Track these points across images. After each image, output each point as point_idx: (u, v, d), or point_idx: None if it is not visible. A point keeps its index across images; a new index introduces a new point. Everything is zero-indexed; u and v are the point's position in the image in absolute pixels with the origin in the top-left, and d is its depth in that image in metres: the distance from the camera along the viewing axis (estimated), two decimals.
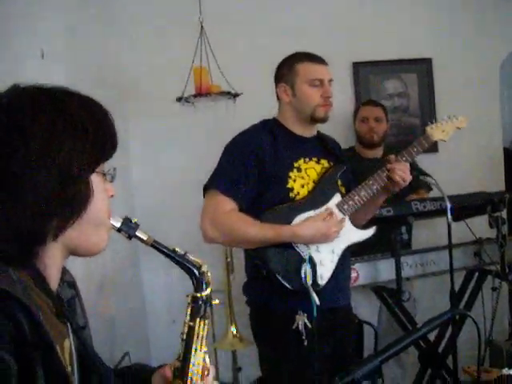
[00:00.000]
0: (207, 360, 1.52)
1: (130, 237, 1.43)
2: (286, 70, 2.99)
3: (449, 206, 3.36)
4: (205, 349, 1.51)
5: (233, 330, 3.90)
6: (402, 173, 2.92)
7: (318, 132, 3.10)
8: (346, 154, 4.19)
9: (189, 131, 4.52)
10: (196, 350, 1.49)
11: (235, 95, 4.05)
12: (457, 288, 3.63)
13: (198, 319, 1.50)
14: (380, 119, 4.34)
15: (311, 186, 2.92)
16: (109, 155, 1.33)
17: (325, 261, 2.86)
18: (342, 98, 4.76)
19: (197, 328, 1.50)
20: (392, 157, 3.00)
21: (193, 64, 4.03)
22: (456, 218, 3.63)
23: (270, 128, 2.99)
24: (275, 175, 2.86)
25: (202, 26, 4.04)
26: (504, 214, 3.78)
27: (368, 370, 1.57)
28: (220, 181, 2.86)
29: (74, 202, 1.23)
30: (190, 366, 1.48)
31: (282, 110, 3.05)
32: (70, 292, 1.50)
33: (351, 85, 4.85)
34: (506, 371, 2.62)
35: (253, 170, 2.84)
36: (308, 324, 2.74)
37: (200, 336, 1.50)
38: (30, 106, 1.21)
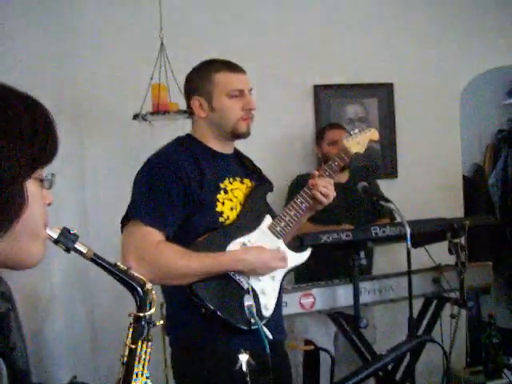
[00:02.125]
0: None
1: (68, 249, 1.32)
2: (200, 82, 2.69)
3: (408, 231, 3.31)
4: (147, 373, 1.41)
5: None
6: (325, 189, 2.71)
7: (235, 149, 2.84)
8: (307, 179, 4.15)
9: (145, 149, 4.40)
10: (137, 374, 1.39)
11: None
12: (415, 315, 3.57)
13: (140, 341, 1.39)
14: None
15: (239, 208, 2.66)
16: (48, 160, 1.22)
17: (267, 289, 2.62)
18: (303, 120, 4.73)
19: (139, 351, 1.39)
20: (315, 173, 2.80)
21: (151, 81, 3.95)
22: (415, 244, 3.58)
23: (187, 146, 2.69)
24: (202, 199, 2.57)
25: (162, 43, 3.97)
26: (463, 240, 3.74)
27: None
28: (142, 210, 2.52)
29: (4, 210, 1.12)
30: None
31: (197, 126, 2.75)
32: (4, 306, 1.40)
33: (312, 108, 4.79)
34: None
35: (177, 194, 2.53)
36: (252, 362, 2.37)
37: (142, 359, 1.40)
38: None
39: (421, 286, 3.77)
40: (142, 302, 1.40)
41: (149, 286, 1.41)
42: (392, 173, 4.89)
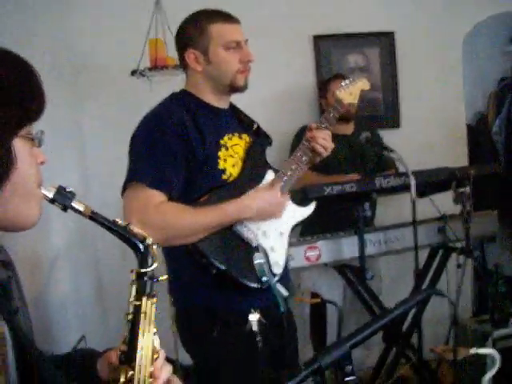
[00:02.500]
0: (156, 342, 1.38)
1: (65, 208, 1.28)
2: (195, 34, 2.55)
3: (413, 181, 3.28)
4: (154, 330, 1.37)
5: None
6: (324, 141, 2.63)
7: (230, 103, 2.73)
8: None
9: (144, 106, 4.34)
10: (144, 331, 1.35)
11: None
12: (421, 265, 3.56)
13: (144, 298, 1.36)
14: None
15: (240, 164, 2.58)
16: (34, 117, 1.18)
17: (276, 246, 2.57)
18: (303, 72, 4.66)
19: (143, 307, 1.36)
20: (312, 125, 2.70)
21: (148, 36, 3.87)
22: (420, 194, 3.56)
23: (184, 102, 2.57)
24: (204, 157, 2.47)
25: None
26: (468, 189, 3.70)
27: (336, 357, 1.45)
28: (144, 172, 2.41)
29: None
30: (138, 349, 1.34)
31: (192, 80, 2.63)
32: (6, 273, 1.37)
33: (312, 59, 4.71)
34: (473, 350, 2.53)
35: (180, 153, 2.43)
36: (263, 321, 2.49)
37: (147, 316, 1.36)
38: None
39: (426, 236, 3.74)
40: (143, 258, 1.36)
41: (149, 240, 1.37)
42: (395, 123, 4.83)
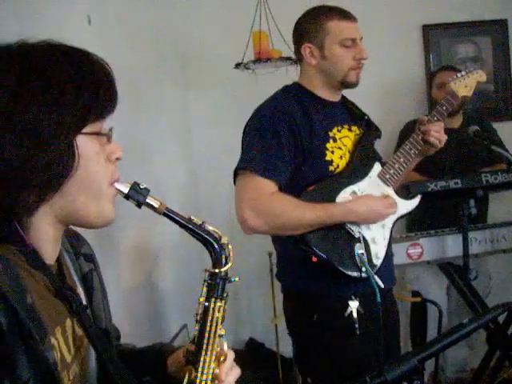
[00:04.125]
0: (224, 345, 1.37)
1: (139, 204, 1.27)
2: (312, 28, 2.63)
3: None
4: (221, 332, 1.35)
5: None
6: (437, 133, 2.69)
7: (342, 96, 2.81)
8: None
9: (249, 98, 4.36)
10: (210, 333, 1.34)
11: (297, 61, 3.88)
12: None
13: (213, 299, 1.34)
14: None
15: (348, 156, 2.65)
16: (101, 114, 1.17)
17: (377, 238, 2.62)
18: (411, 63, 4.55)
19: (211, 309, 1.34)
20: (424, 118, 2.77)
21: (252, 29, 3.88)
22: None
23: (295, 95, 2.68)
24: (312, 148, 2.56)
25: None
26: None
27: (403, 371, 1.40)
28: (255, 161, 2.51)
29: (49, 169, 1.09)
30: (203, 351, 1.33)
31: (306, 74, 2.72)
32: (88, 266, 1.39)
33: (421, 49, 4.59)
34: None
35: (288, 145, 2.53)
36: (361, 310, 2.54)
37: (215, 318, 1.34)
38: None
39: None
40: (217, 258, 1.34)
41: (225, 240, 1.36)
42: (507, 115, 4.64)
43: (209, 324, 1.34)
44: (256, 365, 4.17)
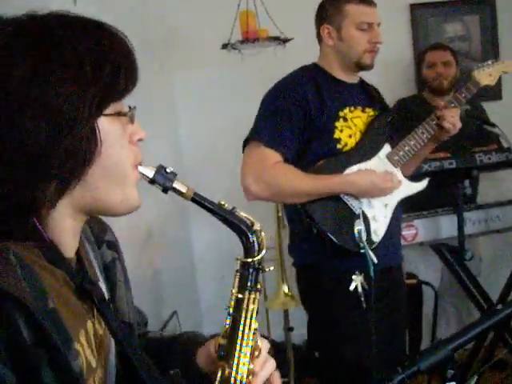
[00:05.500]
0: (258, 339, 1.27)
1: (165, 189, 1.17)
2: (331, 11, 2.75)
3: None
4: (255, 325, 1.25)
5: (284, 288, 3.72)
6: (452, 119, 2.77)
7: (360, 79, 2.90)
8: (412, 103, 3.97)
9: (236, 79, 4.29)
10: (244, 327, 1.24)
11: (285, 40, 3.81)
12: None
13: (247, 290, 1.24)
14: (449, 63, 4.01)
15: (358, 136, 2.74)
16: (123, 93, 1.08)
17: (378, 216, 2.70)
18: (399, 42, 4.50)
19: (246, 301, 1.24)
20: (440, 103, 2.87)
21: (238, 8, 3.79)
22: None
23: (311, 75, 2.76)
24: (321, 125, 2.66)
25: None
26: None
27: (437, 360, 1.34)
28: (263, 132, 2.64)
29: (70, 156, 1.00)
30: (237, 346, 1.24)
31: (323, 54, 2.83)
32: (111, 254, 1.30)
33: (408, 28, 4.53)
34: None
35: (298, 120, 2.63)
36: (365, 285, 2.60)
37: (250, 311, 1.24)
38: (10, 45, 0.99)
39: None
40: (250, 246, 1.24)
41: (257, 226, 1.25)
42: (496, 95, 4.59)
43: (243, 318, 1.24)
44: None
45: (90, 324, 1.12)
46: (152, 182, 1.16)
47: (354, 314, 2.65)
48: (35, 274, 0.99)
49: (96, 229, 1.30)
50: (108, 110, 1.05)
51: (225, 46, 3.86)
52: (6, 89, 0.96)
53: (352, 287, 2.60)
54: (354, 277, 2.61)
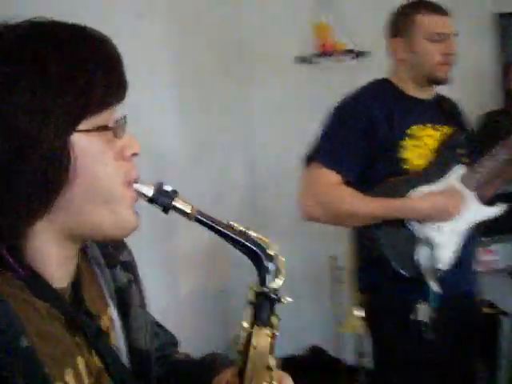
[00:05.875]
0: (275, 378, 1.12)
1: (165, 209, 1.05)
2: (402, 22, 2.61)
3: None
4: (272, 362, 1.11)
5: (356, 312, 3.60)
6: None
7: (436, 94, 2.71)
8: (498, 118, 3.76)
9: (311, 94, 4.19)
10: (255, 367, 1.10)
11: (360, 54, 3.72)
12: None
13: (259, 324, 1.09)
14: None
15: (428, 155, 2.55)
16: (104, 103, 0.96)
17: (445, 242, 2.50)
18: (483, 53, 4.30)
19: (255, 337, 1.09)
20: None
21: (314, 21, 3.72)
22: None
23: (380, 90, 2.63)
24: (387, 145, 2.51)
25: None
26: None
27: None
28: (324, 152, 2.53)
29: (39, 178, 0.91)
30: None
31: (394, 69, 2.68)
32: (126, 276, 1.19)
33: (493, 39, 4.31)
34: None
35: (362, 140, 2.50)
36: (428, 314, 2.44)
37: (261, 349, 1.10)
38: None
39: None
40: (265, 272, 1.09)
41: (274, 250, 1.11)
42: None
43: (253, 356, 1.10)
44: (318, 372, 4.05)
45: (80, 360, 1.02)
46: (151, 201, 1.04)
47: (417, 343, 2.51)
48: (9, 308, 0.91)
49: (109, 249, 1.19)
50: (83, 125, 0.94)
51: (299, 60, 3.80)
52: None
53: (414, 316, 2.46)
54: (417, 306, 2.45)
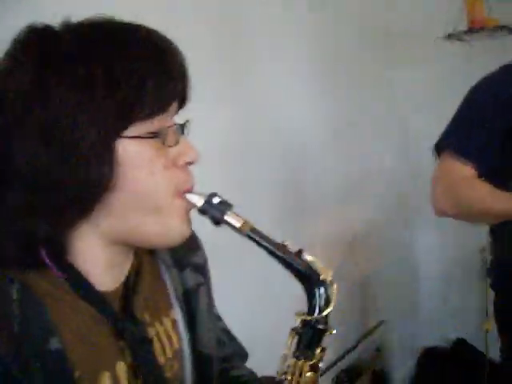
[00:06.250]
0: None
1: (216, 222, 1.00)
2: None
3: None
4: None
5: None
6: None
7: None
8: None
9: (459, 73, 3.98)
10: None
11: None
12: None
13: (303, 357, 1.04)
14: None
15: None
16: (155, 109, 0.91)
17: None
18: None
19: (298, 371, 1.04)
20: None
21: None
22: None
23: None
24: None
25: None
26: None
27: None
28: (456, 140, 2.28)
29: (80, 182, 0.88)
30: None
31: None
32: (194, 278, 1.16)
33: None
34: None
35: (498, 128, 2.22)
36: None
37: (305, 381, 1.04)
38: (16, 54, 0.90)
39: None
40: (314, 300, 1.03)
41: (326, 276, 1.03)
42: None
43: None
44: (461, 366, 3.95)
45: (121, 364, 0.98)
46: (202, 211, 0.99)
47: None
48: (42, 310, 0.90)
49: (180, 250, 1.13)
50: (130, 132, 0.90)
51: (449, 36, 3.59)
52: (2, 101, 0.87)
53: None
54: None
